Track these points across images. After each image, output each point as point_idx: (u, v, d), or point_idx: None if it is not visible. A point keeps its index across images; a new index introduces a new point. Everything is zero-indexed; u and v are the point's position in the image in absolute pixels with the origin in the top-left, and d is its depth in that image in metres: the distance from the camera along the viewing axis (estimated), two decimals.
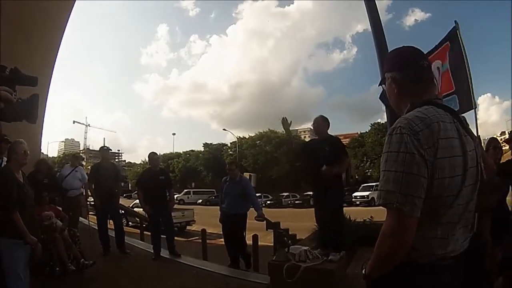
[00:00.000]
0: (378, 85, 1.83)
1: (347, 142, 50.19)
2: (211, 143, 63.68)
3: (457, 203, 1.40)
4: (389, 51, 1.80)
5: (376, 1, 5.94)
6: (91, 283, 5.27)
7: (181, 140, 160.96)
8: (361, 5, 6.02)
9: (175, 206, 11.95)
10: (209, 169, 56.78)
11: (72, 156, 10.72)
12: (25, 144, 3.21)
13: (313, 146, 5.34)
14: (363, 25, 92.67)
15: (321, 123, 5.23)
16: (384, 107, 5.66)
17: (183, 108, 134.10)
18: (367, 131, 53.34)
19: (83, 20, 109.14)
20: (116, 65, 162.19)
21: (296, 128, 78.16)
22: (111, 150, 7.56)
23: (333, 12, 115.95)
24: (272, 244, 7.13)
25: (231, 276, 5.61)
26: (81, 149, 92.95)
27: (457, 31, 5.28)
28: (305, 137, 68.52)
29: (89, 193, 8.61)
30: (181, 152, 67.86)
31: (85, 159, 72.75)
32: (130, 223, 14.24)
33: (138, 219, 12.72)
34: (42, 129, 9.70)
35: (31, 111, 1.58)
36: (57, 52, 9.83)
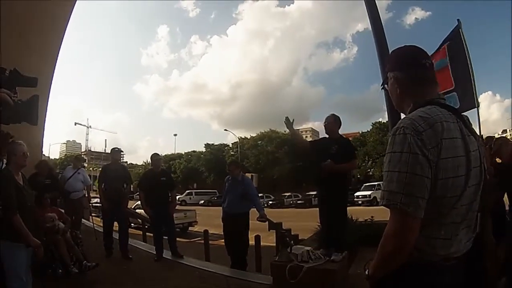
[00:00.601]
0: (381, 85, 1.82)
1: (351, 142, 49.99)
2: (212, 144, 63.83)
3: (461, 204, 1.40)
4: (391, 51, 1.79)
5: (376, 0, 5.93)
6: (93, 285, 5.27)
7: (182, 140, 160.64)
8: (361, 4, 6.01)
9: (177, 207, 11.95)
10: (210, 170, 56.83)
11: (74, 158, 10.68)
12: (24, 146, 3.19)
13: (322, 144, 5.31)
14: (363, 24, 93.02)
15: (333, 122, 5.18)
16: (385, 106, 5.65)
17: (184, 108, 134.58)
18: (368, 130, 53.40)
19: (84, 22, 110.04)
20: (116, 67, 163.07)
21: (297, 128, 77.97)
22: (122, 152, 7.49)
23: (333, 12, 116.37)
24: (275, 245, 7.15)
25: (234, 277, 5.60)
26: (82, 150, 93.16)
27: (460, 29, 5.27)
28: (306, 137, 68.60)
29: (92, 195, 8.63)
30: (183, 153, 68.08)
31: (86, 161, 72.85)
32: (132, 224, 14.21)
33: (140, 221, 12.72)
34: (43, 131, 9.69)
35: (31, 113, 1.58)
36: (58, 53, 9.82)
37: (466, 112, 4.92)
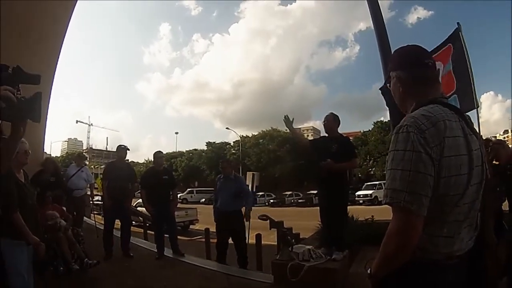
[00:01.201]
0: (384, 84, 1.83)
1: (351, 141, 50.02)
2: (214, 142, 63.92)
3: (463, 202, 1.40)
4: (394, 50, 1.79)
5: None
6: (94, 282, 5.29)
7: (184, 139, 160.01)
8: (363, 3, 5.99)
9: (179, 205, 11.97)
10: (212, 168, 56.77)
11: (77, 156, 10.68)
12: (26, 144, 3.19)
13: (321, 143, 5.32)
14: (365, 23, 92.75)
15: (332, 120, 5.19)
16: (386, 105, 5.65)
17: (186, 107, 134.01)
18: (370, 129, 53.40)
19: (86, 20, 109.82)
20: (118, 65, 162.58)
21: (299, 127, 78.37)
22: (129, 150, 7.37)
23: (335, 10, 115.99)
24: (276, 243, 7.15)
25: (235, 275, 5.61)
26: (84, 148, 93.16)
27: (460, 32, 5.29)
28: (307, 135, 68.54)
29: (95, 193, 8.63)
30: (184, 151, 68.06)
31: (88, 159, 72.95)
32: (133, 222, 14.22)
33: (141, 219, 12.76)
34: (45, 128, 9.72)
35: (34, 110, 1.57)
36: (60, 51, 9.85)
37: (467, 112, 4.95)
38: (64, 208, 6.05)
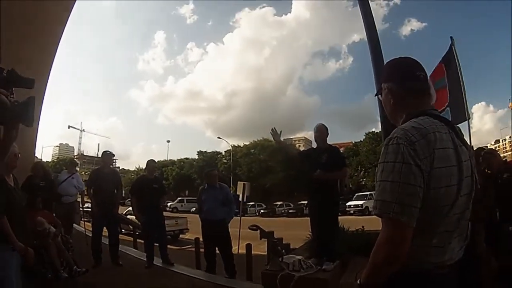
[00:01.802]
0: (375, 95, 1.85)
1: (341, 151, 50.23)
2: (205, 151, 63.88)
3: (453, 212, 1.42)
4: (386, 62, 1.82)
5: (372, 11, 6.01)
6: None
7: (175, 147, 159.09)
8: (357, 15, 6.08)
9: (169, 214, 11.88)
10: (203, 177, 56.49)
11: (69, 162, 10.65)
12: (16, 147, 3.16)
13: (311, 154, 5.35)
14: (359, 34, 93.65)
15: (325, 131, 5.22)
16: (378, 116, 5.72)
17: (178, 115, 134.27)
18: (361, 140, 53.71)
19: (80, 26, 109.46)
20: (112, 71, 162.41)
21: (291, 137, 78.67)
22: (114, 155, 7.35)
23: (329, 22, 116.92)
24: (266, 253, 7.12)
25: (225, 285, 5.57)
26: (75, 154, 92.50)
27: (453, 46, 5.39)
28: (299, 146, 68.82)
29: (85, 200, 8.57)
30: (175, 159, 67.82)
31: (79, 165, 72.41)
32: (123, 230, 14.11)
33: (131, 227, 12.64)
34: (37, 133, 9.67)
35: (27, 114, 1.57)
36: (54, 56, 9.82)
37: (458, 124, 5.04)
38: (54, 214, 6.00)
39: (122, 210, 17.03)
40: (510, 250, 3.44)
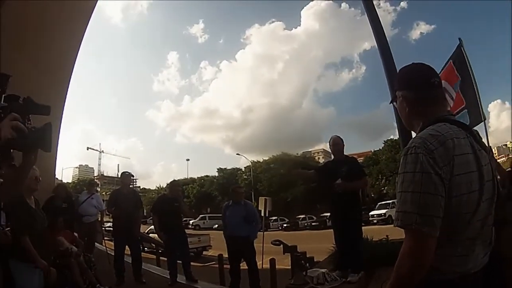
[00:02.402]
0: (390, 103, 1.83)
1: (361, 160, 49.94)
2: (225, 168, 63.90)
3: (476, 219, 1.39)
4: (399, 69, 1.80)
5: (380, 18, 6.00)
6: None
7: (195, 165, 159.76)
8: (366, 22, 6.06)
9: (191, 231, 11.88)
10: (224, 194, 56.49)
11: (88, 183, 10.86)
12: (36, 170, 3.25)
13: (330, 167, 5.33)
14: (370, 42, 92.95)
15: (341, 143, 5.23)
16: (395, 123, 5.66)
17: (196, 134, 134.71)
18: (380, 148, 53.08)
19: (95, 49, 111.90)
20: (128, 93, 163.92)
21: (310, 150, 78.25)
22: (133, 176, 7.48)
23: (339, 32, 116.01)
24: (290, 267, 7.06)
25: None
26: (95, 175, 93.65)
27: (462, 47, 5.35)
28: (319, 158, 68.48)
29: (106, 219, 8.68)
30: (196, 177, 68.00)
31: (99, 185, 73.37)
32: (146, 248, 14.23)
33: (153, 245, 12.72)
34: (56, 155, 9.87)
35: (45, 140, 1.61)
36: (69, 80, 10.05)
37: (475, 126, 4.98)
38: (76, 234, 6.08)
39: (144, 228, 17.23)
40: None
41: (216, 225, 39.47)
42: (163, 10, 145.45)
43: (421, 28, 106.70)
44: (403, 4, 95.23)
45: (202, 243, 17.92)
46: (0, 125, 1.43)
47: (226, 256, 7.07)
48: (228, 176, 60.11)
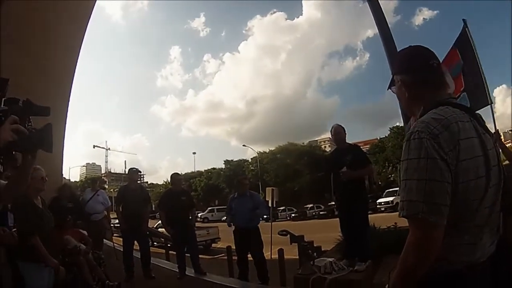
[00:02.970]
0: (387, 89, 1.78)
1: (367, 148, 49.79)
2: (231, 160, 64.00)
3: (484, 206, 1.34)
4: (397, 51, 1.76)
5: (381, 4, 5.93)
6: None
7: (201, 158, 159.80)
8: (368, 11, 6.00)
9: (200, 224, 11.90)
10: (231, 186, 56.64)
11: (91, 180, 10.91)
12: (42, 171, 3.28)
13: (334, 156, 5.31)
14: (373, 30, 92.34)
15: (343, 132, 5.19)
16: (399, 110, 5.61)
17: (202, 127, 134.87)
18: (386, 135, 52.88)
19: (97, 48, 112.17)
20: (132, 89, 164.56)
21: (316, 139, 78.19)
22: (140, 172, 7.54)
23: (341, 20, 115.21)
24: (298, 257, 7.09)
25: None
26: (102, 172, 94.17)
27: (466, 29, 5.26)
28: (325, 146, 68.40)
29: (113, 216, 8.71)
30: (203, 170, 68.13)
31: (107, 182, 73.79)
32: (155, 243, 14.31)
33: (162, 239, 12.80)
34: (62, 155, 9.89)
35: (46, 140, 1.62)
36: (72, 79, 10.03)
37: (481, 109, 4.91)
38: (86, 233, 6.12)
39: (153, 223, 17.34)
40: None
41: (225, 217, 39.72)
42: (163, 6, 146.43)
43: (424, 14, 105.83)
44: None
45: (211, 236, 18.00)
46: (0, 128, 1.43)
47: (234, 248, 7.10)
48: (235, 168, 60.16)
